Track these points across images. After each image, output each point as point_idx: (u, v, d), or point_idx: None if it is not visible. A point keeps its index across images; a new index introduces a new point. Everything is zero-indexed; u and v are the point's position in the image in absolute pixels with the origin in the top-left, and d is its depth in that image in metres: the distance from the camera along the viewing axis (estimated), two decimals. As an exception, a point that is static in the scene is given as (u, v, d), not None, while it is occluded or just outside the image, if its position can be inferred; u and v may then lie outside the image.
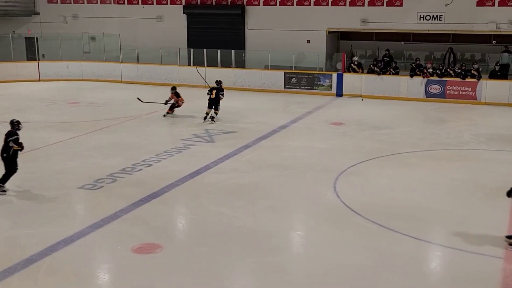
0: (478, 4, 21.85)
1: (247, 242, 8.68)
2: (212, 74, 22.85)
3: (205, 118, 17.15)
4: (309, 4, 24.47)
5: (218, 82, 17.68)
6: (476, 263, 8.00)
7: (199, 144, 14.71)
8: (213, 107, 17.17)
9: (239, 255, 8.23)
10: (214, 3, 26.29)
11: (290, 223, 9.71)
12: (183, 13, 26.56)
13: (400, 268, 7.83)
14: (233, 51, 24.83)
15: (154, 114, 18.15)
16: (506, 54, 22.03)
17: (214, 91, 17.18)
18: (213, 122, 17.00)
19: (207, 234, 8.99)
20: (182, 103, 18.05)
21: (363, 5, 23.58)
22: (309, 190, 11.13)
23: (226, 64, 24.79)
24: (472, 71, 21.25)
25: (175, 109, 18.02)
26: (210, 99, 17.14)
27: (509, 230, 9.05)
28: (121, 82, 25.84)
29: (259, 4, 25.45)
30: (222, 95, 17.42)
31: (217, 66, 24.84)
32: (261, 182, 11.56)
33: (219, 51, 24.90)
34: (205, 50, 24.91)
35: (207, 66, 24.59)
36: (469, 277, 7.59)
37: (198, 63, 24.83)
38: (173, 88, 18.15)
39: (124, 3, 27.75)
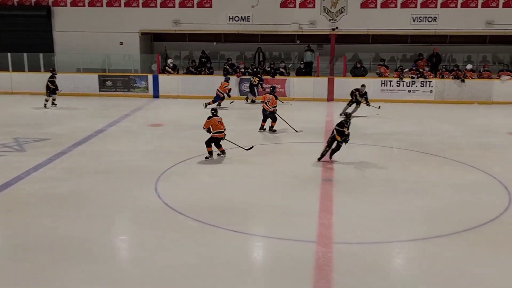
0: (281, 6, 23.25)
1: (72, 252, 8.30)
2: (20, 80, 21.42)
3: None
4: (120, 5, 24.04)
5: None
6: (294, 249, 8.52)
7: (7, 154, 13.70)
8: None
9: (66, 266, 7.84)
10: (15, 3, 24.60)
11: (114, 229, 9.49)
12: (-19, 14, 24.52)
13: (227, 263, 8.05)
14: (41, 55, 23.52)
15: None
16: (309, 53, 23.75)
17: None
18: None
19: (30, 248, 8.42)
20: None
21: (174, 6, 23.79)
22: (130, 194, 10.96)
23: (35, 68, 23.39)
24: (280, 69, 22.60)
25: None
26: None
27: (319, 215, 9.80)
28: None
29: (66, 5, 24.40)
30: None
31: (24, 71, 23.34)
32: (81, 189, 11.13)
33: (25, 54, 23.40)
34: (9, 54, 23.25)
35: (13, 70, 22.99)
36: (288, 262, 8.05)
37: (3, 67, 23.12)
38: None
39: None
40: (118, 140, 15.52)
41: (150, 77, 22.74)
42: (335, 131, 12.87)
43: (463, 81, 21.33)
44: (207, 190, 11.19)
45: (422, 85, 21.52)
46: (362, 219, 9.73)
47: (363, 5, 22.83)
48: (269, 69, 22.66)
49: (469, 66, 21.94)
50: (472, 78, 21.49)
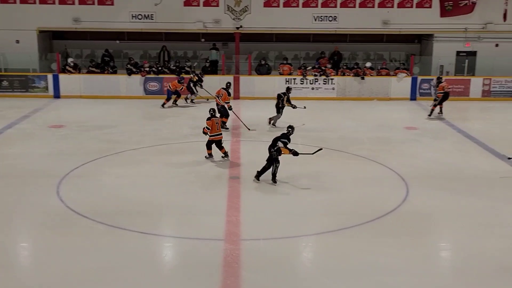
0: (185, 4, 23.07)
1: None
2: None
3: None
4: (15, 2, 22.90)
5: None
6: (202, 247, 8.51)
7: None
8: None
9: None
10: None
11: (14, 236, 9.05)
12: None
13: (134, 265, 7.91)
14: None
15: None
16: (214, 51, 23.75)
17: None
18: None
19: None
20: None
21: (73, 3, 22.96)
22: (31, 199, 10.50)
23: None
24: (186, 67, 22.46)
25: None
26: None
27: (227, 212, 9.85)
28: None
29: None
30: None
31: None
32: (-25, 197, 10.52)
33: None
34: None
35: None
36: (196, 261, 8.04)
37: None
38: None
39: None
40: (16, 142, 14.80)
41: (50, 76, 21.83)
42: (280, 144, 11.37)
43: (363, 78, 22.15)
44: (112, 192, 10.93)
45: (324, 82, 22.14)
46: (269, 215, 9.88)
47: (266, 4, 23.12)
48: (174, 67, 22.45)
49: (368, 64, 22.82)
50: (371, 75, 22.37)
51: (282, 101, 16.98)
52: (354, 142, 15.32)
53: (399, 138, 15.98)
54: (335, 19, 23.11)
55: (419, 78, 22.16)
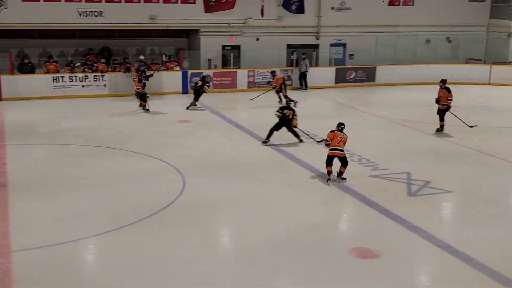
0: None
1: None
2: None
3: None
4: None
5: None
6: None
7: None
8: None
9: None
10: None
11: None
12: None
13: None
14: None
15: None
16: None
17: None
18: None
19: None
20: None
21: None
22: None
23: None
24: None
25: None
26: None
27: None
28: None
29: None
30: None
31: None
32: None
33: None
34: None
35: None
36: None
37: None
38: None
39: None
40: None
41: None
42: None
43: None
44: None
45: (95, 79, 21.48)
46: (43, 222, 9.34)
47: (25, -2, 21.63)
48: None
49: (142, 57, 22.81)
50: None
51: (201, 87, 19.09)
52: (131, 138, 15.19)
53: (174, 132, 16.25)
54: (101, 14, 22.51)
55: (190, 72, 22.76)
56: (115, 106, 19.74)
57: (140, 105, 18.97)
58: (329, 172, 11.47)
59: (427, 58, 26.44)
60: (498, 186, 11.82)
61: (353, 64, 25.81)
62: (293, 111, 14.51)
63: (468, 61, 26.93)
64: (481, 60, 26.93)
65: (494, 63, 26.06)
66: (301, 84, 23.86)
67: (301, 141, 14.65)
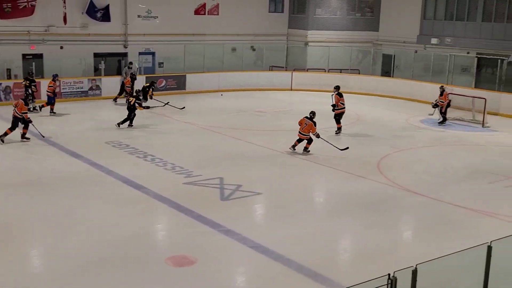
0: None
1: None
2: None
3: None
4: None
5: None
6: None
7: None
8: None
9: None
10: None
11: None
12: None
13: None
14: None
15: None
16: None
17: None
18: None
19: None
20: None
21: None
22: None
23: None
24: None
25: None
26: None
27: None
28: None
29: None
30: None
31: None
32: None
33: None
34: None
35: None
36: None
37: None
38: None
39: None
40: None
41: None
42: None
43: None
44: None
45: None
46: None
47: None
48: None
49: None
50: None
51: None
52: None
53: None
54: None
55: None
56: None
57: None
58: (294, 145, 15.04)
59: (234, 66, 27.42)
60: (301, 185, 12.69)
61: (162, 72, 25.87)
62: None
63: (272, 68, 28.54)
64: (283, 67, 28.71)
65: (295, 70, 27.93)
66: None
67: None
